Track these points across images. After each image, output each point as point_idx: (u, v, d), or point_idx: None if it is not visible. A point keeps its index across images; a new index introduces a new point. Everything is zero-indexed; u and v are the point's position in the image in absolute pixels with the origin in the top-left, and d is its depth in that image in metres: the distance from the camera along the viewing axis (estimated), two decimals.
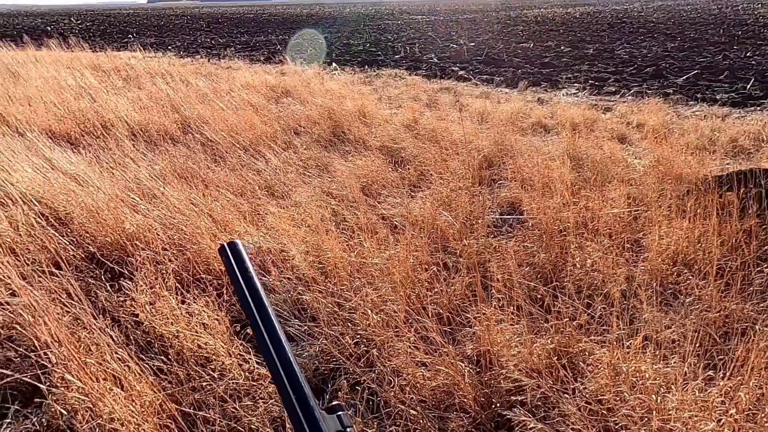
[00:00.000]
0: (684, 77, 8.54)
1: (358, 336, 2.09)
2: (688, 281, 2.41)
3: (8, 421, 1.80)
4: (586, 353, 1.94)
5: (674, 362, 1.79)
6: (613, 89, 7.79)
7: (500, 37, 17.19)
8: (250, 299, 0.54)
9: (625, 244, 2.74)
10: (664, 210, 3.06)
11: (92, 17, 43.73)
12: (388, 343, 1.99)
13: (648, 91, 7.34)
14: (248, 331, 2.17)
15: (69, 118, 5.46)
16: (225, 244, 0.59)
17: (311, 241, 2.74)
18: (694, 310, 2.18)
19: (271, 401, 1.84)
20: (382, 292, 2.28)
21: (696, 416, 1.59)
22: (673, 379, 1.74)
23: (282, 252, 2.68)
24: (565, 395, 1.73)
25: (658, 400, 1.62)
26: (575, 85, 8.26)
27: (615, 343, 1.89)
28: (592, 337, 2.01)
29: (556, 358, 1.91)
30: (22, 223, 2.95)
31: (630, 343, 1.91)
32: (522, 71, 9.82)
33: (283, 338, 0.53)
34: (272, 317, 0.54)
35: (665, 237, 2.75)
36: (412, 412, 1.76)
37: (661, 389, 1.69)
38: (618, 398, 1.67)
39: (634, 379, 1.75)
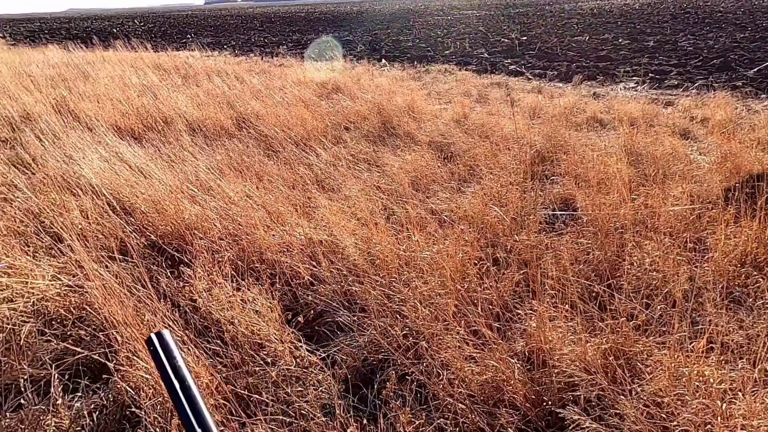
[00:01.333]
0: (755, 69, 8.01)
1: (407, 328, 2.09)
2: (758, 284, 2.27)
3: (79, 395, 1.92)
4: (645, 354, 1.86)
5: (741, 367, 1.69)
6: (676, 83, 7.40)
7: (553, 31, 16.69)
8: (178, 388, 0.54)
9: (687, 244, 2.61)
10: (731, 208, 2.89)
11: (154, 19, 45.84)
12: (437, 336, 1.99)
13: (714, 85, 6.93)
14: (299, 319, 2.22)
15: (133, 113, 5.75)
16: (153, 335, 0.59)
17: (361, 234, 2.76)
18: (765, 312, 2.05)
19: (321, 388, 1.87)
20: (431, 286, 2.27)
21: (767, 426, 1.49)
22: (741, 385, 1.65)
23: (333, 244, 2.72)
24: (622, 396, 1.67)
25: (723, 407, 1.54)
26: (634, 78, 7.91)
27: (676, 345, 1.81)
28: (652, 338, 1.93)
29: (612, 357, 1.84)
30: (92, 212, 3.14)
31: (693, 346, 1.82)
32: (576, 65, 9.50)
33: (212, 424, 0.53)
34: (201, 405, 0.54)
35: (732, 237, 2.60)
36: (460, 405, 1.75)
37: (727, 395, 1.60)
38: (679, 401, 1.60)
39: (697, 383, 1.67)
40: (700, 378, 1.68)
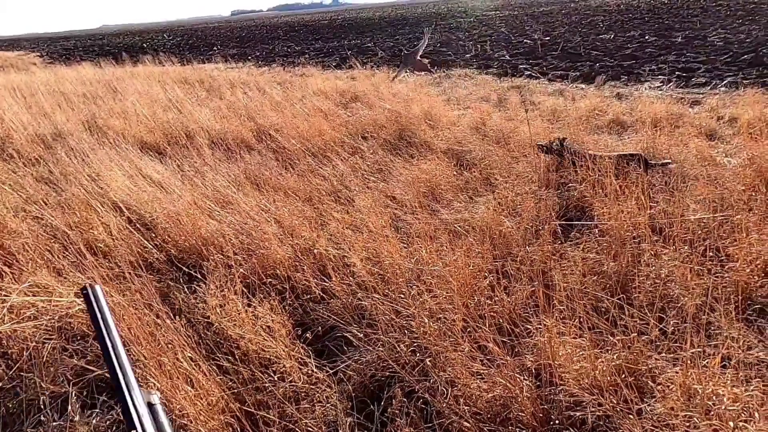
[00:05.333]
0: None
1: (415, 344, 2.09)
2: None
3: (96, 411, 1.99)
4: (656, 371, 1.81)
5: (753, 387, 1.63)
6: (703, 80, 7.18)
7: (578, 30, 16.42)
8: (106, 336, 0.61)
9: (707, 253, 2.53)
10: (757, 215, 2.79)
11: (182, 32, 47.12)
12: (443, 353, 1.98)
13: (744, 81, 6.70)
14: (308, 335, 2.24)
15: (158, 129, 5.92)
16: (87, 286, 0.66)
17: (372, 247, 2.78)
18: None
19: (328, 405, 1.89)
20: (440, 300, 2.27)
21: None
22: (756, 406, 1.59)
23: (344, 257, 2.74)
24: (630, 416, 1.63)
25: (736, 429, 1.48)
26: (659, 77, 7.71)
27: (689, 362, 1.76)
28: (663, 355, 1.88)
29: (622, 375, 1.80)
30: (115, 229, 3.25)
31: (707, 362, 1.76)
32: (600, 65, 9.32)
33: (131, 373, 0.59)
34: (124, 356, 0.61)
35: (756, 245, 2.50)
36: (465, 423, 1.74)
37: (741, 416, 1.55)
38: (688, 423, 1.55)
39: (710, 403, 1.61)
40: (714, 398, 1.63)
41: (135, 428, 0.54)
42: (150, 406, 0.58)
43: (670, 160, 3.74)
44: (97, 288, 0.65)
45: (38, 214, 3.56)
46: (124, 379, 0.57)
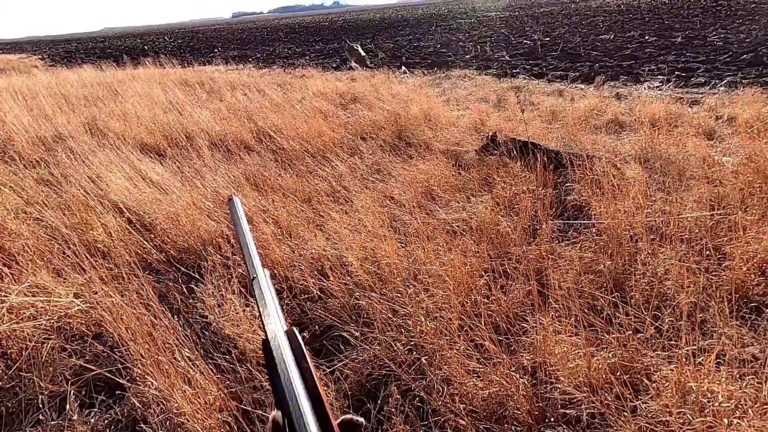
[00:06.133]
0: None
1: (411, 343, 2.10)
2: None
3: (95, 410, 2.00)
4: (651, 369, 1.82)
5: (747, 384, 1.63)
6: (702, 80, 7.18)
7: (577, 30, 16.43)
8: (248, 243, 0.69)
9: (704, 251, 2.53)
10: (754, 213, 2.79)
11: (183, 34, 47.23)
12: (439, 351, 1.99)
13: (743, 81, 6.70)
14: (305, 334, 2.25)
15: (158, 131, 5.94)
16: (233, 197, 0.78)
17: (369, 247, 2.79)
18: None
19: None
20: (437, 299, 2.28)
21: None
22: (750, 403, 1.59)
23: (342, 257, 2.75)
24: (624, 413, 1.64)
25: (730, 426, 1.49)
26: (659, 77, 7.72)
27: (684, 359, 1.76)
28: (658, 352, 1.88)
29: (617, 373, 1.81)
30: (114, 229, 3.26)
31: (702, 360, 1.77)
32: (600, 65, 9.33)
33: (259, 264, 0.66)
34: (255, 253, 0.68)
35: (752, 243, 2.51)
36: (461, 421, 1.75)
37: (735, 413, 1.55)
38: (682, 420, 1.55)
39: (705, 400, 1.62)
40: (709, 395, 1.63)
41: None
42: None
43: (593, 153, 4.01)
44: (237, 199, 0.78)
45: (38, 215, 3.58)
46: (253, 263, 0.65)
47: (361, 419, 0.53)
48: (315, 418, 0.46)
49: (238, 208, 0.76)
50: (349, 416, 0.53)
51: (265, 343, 0.55)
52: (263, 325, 0.57)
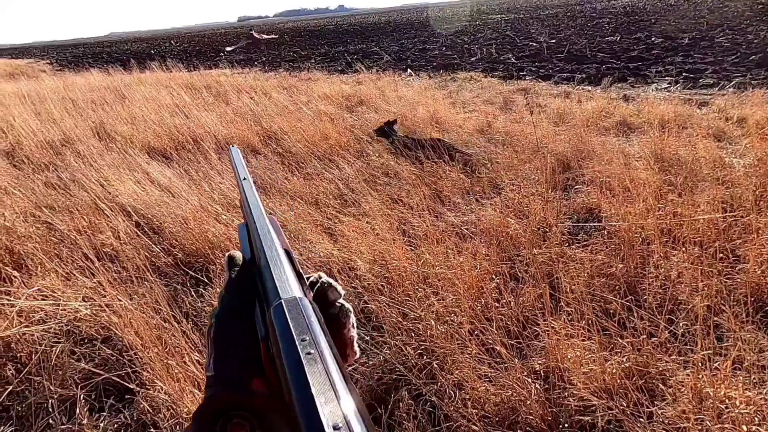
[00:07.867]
0: None
1: (422, 347, 2.08)
2: None
3: (105, 414, 1.99)
4: (667, 374, 1.79)
5: (766, 390, 1.60)
6: (711, 81, 7.13)
7: (583, 32, 16.38)
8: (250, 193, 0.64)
9: (717, 254, 2.50)
10: (766, 215, 2.76)
11: (189, 38, 47.49)
12: (450, 355, 1.97)
13: (752, 82, 6.64)
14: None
15: (165, 134, 5.96)
16: (232, 147, 0.77)
17: (378, 250, 2.77)
18: None
19: None
20: (447, 303, 2.26)
21: None
22: None
23: (350, 260, 2.74)
24: (640, 419, 1.61)
25: None
26: (666, 79, 7.67)
27: (700, 364, 1.73)
28: (674, 357, 1.86)
29: (632, 378, 1.78)
30: (123, 233, 3.26)
31: (718, 365, 1.74)
32: (606, 67, 9.29)
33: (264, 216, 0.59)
34: (259, 201, 0.61)
35: (767, 246, 2.47)
36: (473, 427, 1.73)
37: (755, 420, 1.52)
38: (700, 427, 1.53)
39: (722, 406, 1.59)
40: (726, 401, 1.60)
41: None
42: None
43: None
44: (235, 149, 0.76)
45: (47, 218, 3.59)
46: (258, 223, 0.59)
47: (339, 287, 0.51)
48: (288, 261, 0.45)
49: (237, 156, 0.75)
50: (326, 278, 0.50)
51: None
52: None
